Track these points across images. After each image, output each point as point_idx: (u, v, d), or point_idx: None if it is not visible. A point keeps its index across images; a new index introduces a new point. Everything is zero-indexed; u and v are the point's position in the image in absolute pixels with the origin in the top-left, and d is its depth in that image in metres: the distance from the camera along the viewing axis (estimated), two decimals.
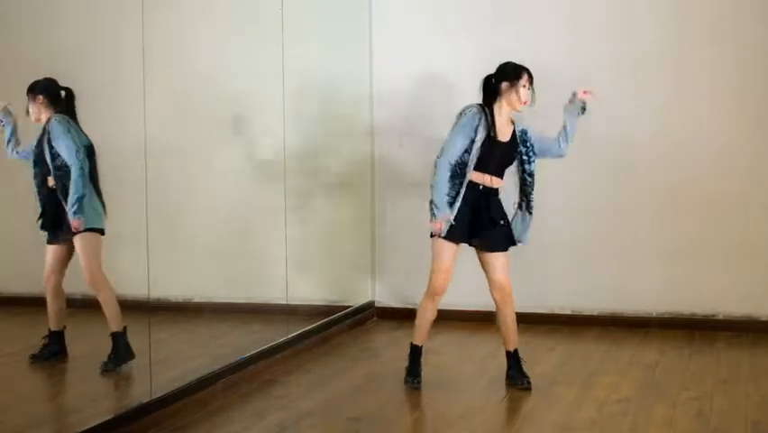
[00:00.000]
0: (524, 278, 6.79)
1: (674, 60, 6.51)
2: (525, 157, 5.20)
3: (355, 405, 4.98)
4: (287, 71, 6.10)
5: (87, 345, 5.24)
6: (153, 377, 4.82)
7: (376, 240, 7.08)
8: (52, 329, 5.02)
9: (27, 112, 4.93)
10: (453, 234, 5.11)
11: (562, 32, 6.70)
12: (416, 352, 5.33)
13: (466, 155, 5.08)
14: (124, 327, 5.10)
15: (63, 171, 4.97)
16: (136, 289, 5.18)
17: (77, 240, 5.00)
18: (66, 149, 4.94)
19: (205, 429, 4.63)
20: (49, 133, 4.95)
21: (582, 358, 5.86)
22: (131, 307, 5.17)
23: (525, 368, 5.25)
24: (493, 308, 6.73)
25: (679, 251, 6.53)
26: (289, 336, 6.01)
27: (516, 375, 5.24)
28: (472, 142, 5.06)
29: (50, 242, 5.06)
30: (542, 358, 5.85)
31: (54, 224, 5.02)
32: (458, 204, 5.09)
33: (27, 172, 5.04)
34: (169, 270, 5.26)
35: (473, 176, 5.10)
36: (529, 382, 5.20)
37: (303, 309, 6.39)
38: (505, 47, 6.79)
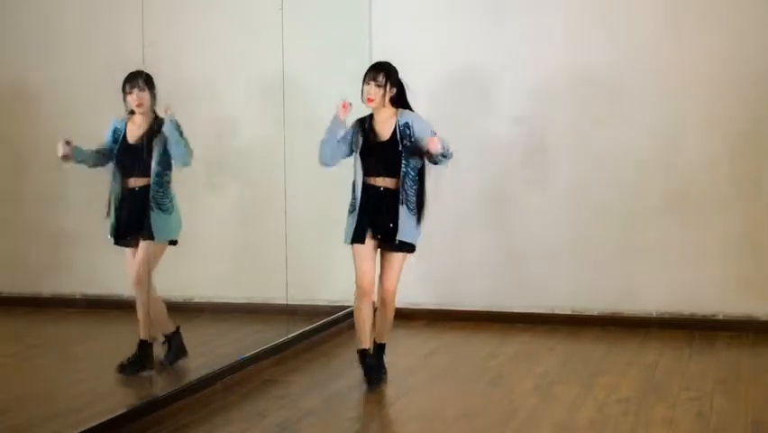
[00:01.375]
0: (524, 278, 6.81)
1: (673, 60, 6.50)
2: (402, 150, 5.17)
3: (355, 405, 4.98)
4: (287, 70, 6.10)
5: (88, 346, 5.25)
6: (153, 377, 4.82)
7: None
8: (143, 337, 5.03)
9: (138, 104, 4.91)
10: (356, 236, 5.22)
11: (562, 28, 6.69)
12: (363, 357, 5.33)
13: (355, 161, 5.23)
14: (178, 327, 5.20)
15: (165, 176, 4.99)
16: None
17: (147, 243, 4.97)
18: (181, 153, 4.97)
19: (205, 429, 4.63)
20: (164, 133, 4.94)
21: (582, 358, 5.86)
22: (132, 307, 5.18)
23: (527, 368, 5.23)
24: (496, 309, 6.79)
25: (679, 251, 6.52)
26: (289, 336, 6.01)
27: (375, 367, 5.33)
28: (353, 148, 5.23)
29: (127, 245, 5.02)
30: (542, 358, 5.85)
31: (131, 226, 4.98)
32: (357, 208, 5.19)
33: (23, 171, 5.05)
34: (169, 270, 5.26)
35: (369, 180, 5.20)
36: (382, 377, 5.30)
37: (303, 309, 6.39)
38: (504, 45, 6.81)
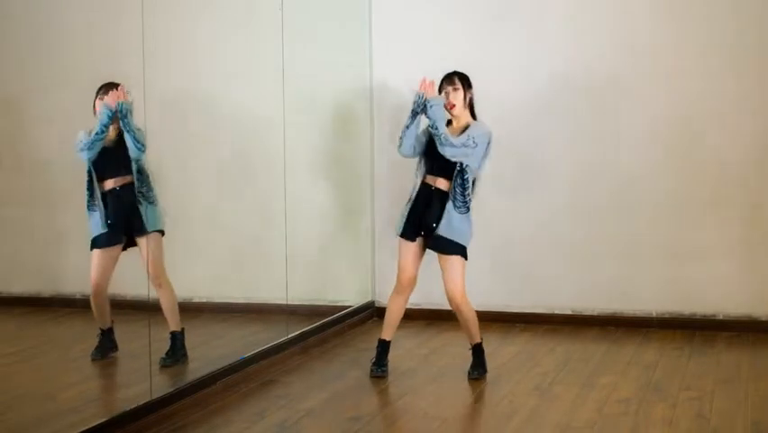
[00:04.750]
0: (524, 278, 6.82)
1: (673, 60, 6.50)
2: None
3: (355, 405, 4.98)
4: (287, 70, 6.10)
5: (88, 345, 5.24)
6: (153, 377, 4.82)
7: (376, 240, 7.08)
8: (103, 328, 5.14)
9: (95, 111, 4.97)
10: (407, 232, 5.39)
11: (560, 31, 6.69)
12: (381, 345, 5.52)
13: (420, 159, 5.41)
14: (182, 328, 5.31)
15: (144, 170, 5.11)
16: (136, 289, 5.19)
17: (144, 239, 5.13)
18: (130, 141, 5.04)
19: (205, 429, 4.63)
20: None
21: (582, 358, 5.86)
22: (131, 306, 5.19)
23: (527, 368, 5.24)
24: (496, 309, 6.80)
25: (679, 251, 6.52)
26: (289, 335, 6.01)
27: (473, 366, 5.44)
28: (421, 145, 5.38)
29: (101, 246, 5.08)
30: (542, 358, 5.85)
31: (116, 226, 5.06)
32: (410, 203, 5.39)
33: (24, 171, 5.06)
34: (169, 270, 5.27)
35: (427, 178, 5.38)
36: (480, 373, 5.39)
37: (303, 309, 6.40)
38: (504, 46, 6.81)
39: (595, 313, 6.70)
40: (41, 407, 4.61)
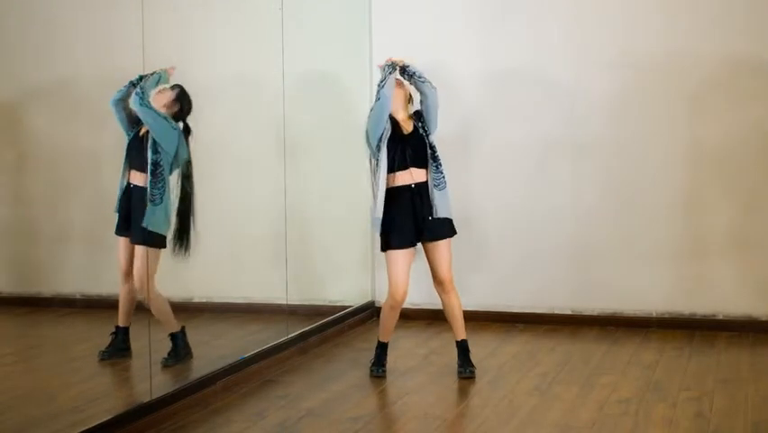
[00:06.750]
0: (524, 278, 6.81)
1: (676, 61, 6.49)
2: (424, 132, 5.31)
3: (355, 405, 4.98)
4: (286, 70, 6.10)
5: (88, 345, 5.25)
6: (153, 377, 4.82)
7: (376, 240, 7.07)
8: (120, 326, 5.13)
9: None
10: (396, 242, 5.26)
11: (562, 29, 6.69)
12: (381, 347, 5.51)
13: (377, 161, 5.27)
14: (182, 327, 5.32)
15: (159, 167, 5.10)
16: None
17: (138, 247, 5.11)
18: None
19: (205, 429, 4.63)
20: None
21: (582, 358, 5.86)
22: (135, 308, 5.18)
23: (527, 368, 5.24)
24: (496, 309, 6.80)
25: (679, 251, 6.52)
26: (289, 335, 6.01)
27: (461, 364, 5.42)
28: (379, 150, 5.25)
29: (120, 234, 5.15)
30: (542, 358, 5.85)
31: (126, 218, 5.12)
32: (389, 211, 5.22)
33: (24, 171, 5.06)
34: (169, 270, 5.27)
35: (398, 178, 5.23)
36: (472, 372, 5.38)
37: (303, 309, 6.39)
38: (505, 45, 6.81)
39: (595, 313, 6.69)
40: (41, 407, 4.61)
